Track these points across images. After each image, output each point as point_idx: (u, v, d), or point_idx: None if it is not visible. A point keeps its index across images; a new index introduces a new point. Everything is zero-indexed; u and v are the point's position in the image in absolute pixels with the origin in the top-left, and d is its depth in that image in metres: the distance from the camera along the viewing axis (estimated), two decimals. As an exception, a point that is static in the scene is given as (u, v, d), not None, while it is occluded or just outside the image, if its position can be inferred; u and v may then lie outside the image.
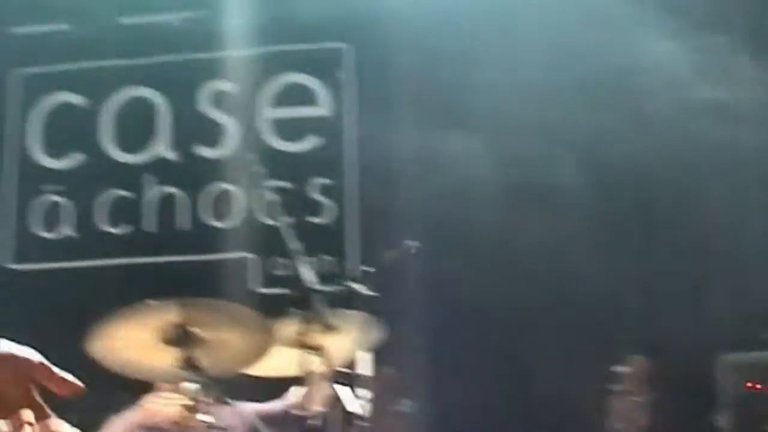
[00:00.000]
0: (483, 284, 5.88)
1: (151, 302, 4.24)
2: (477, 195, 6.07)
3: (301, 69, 6.67)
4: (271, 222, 5.86)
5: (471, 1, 6.37)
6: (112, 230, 6.65)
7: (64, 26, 6.87)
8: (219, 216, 6.51)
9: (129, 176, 6.69)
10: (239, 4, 6.40)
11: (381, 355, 4.81)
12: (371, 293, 4.74)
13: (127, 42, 6.74)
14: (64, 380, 1.55)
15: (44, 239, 6.74)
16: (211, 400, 4.19)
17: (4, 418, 1.50)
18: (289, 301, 4.63)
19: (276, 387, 4.61)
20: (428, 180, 6.22)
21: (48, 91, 6.89)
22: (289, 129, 6.60)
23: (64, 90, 6.86)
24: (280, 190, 6.00)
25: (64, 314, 6.04)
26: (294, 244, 4.66)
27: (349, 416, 4.14)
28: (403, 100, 6.35)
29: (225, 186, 6.53)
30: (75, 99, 6.85)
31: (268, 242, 5.95)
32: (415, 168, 6.25)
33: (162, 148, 6.72)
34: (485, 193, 6.07)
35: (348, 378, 4.60)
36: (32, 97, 6.89)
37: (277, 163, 6.23)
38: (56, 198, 6.76)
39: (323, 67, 6.65)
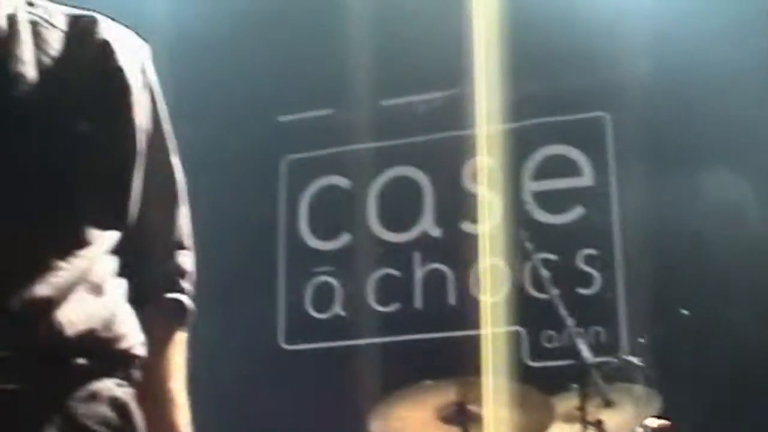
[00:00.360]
0: (762, 350, 5.67)
1: (428, 382, 4.27)
2: (750, 256, 5.88)
3: (561, 140, 6.63)
4: (540, 295, 5.84)
5: (727, 57, 6.21)
6: (382, 308, 6.75)
7: (327, 111, 7.08)
8: (487, 291, 6.50)
9: (396, 255, 6.79)
10: (497, 79, 6.43)
11: (659, 427, 4.69)
12: (646, 365, 4.63)
13: (389, 123, 6.89)
14: None
15: (315, 319, 6.89)
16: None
17: None
18: (563, 375, 4.57)
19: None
20: (696, 243, 6.07)
21: (315, 175, 7.10)
22: (553, 201, 6.56)
23: (330, 173, 7.05)
24: (547, 263, 5.95)
25: (337, 394, 6.16)
26: (566, 316, 4.62)
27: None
28: (666, 165, 6.23)
29: (492, 261, 6.52)
30: (341, 181, 7.03)
31: (539, 315, 5.90)
32: (682, 233, 6.10)
33: (427, 225, 6.80)
34: (759, 252, 5.88)
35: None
36: (300, 182, 7.11)
37: (542, 235, 6.18)
38: (326, 278, 6.92)
39: (584, 136, 6.60)
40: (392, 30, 6.70)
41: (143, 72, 2.06)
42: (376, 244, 6.84)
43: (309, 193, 7.08)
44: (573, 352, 4.45)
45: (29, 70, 1.88)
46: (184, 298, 2.11)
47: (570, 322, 4.53)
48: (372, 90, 6.85)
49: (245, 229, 6.90)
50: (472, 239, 6.55)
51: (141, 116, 2.02)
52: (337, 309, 6.87)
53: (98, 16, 2.05)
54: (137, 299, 1.98)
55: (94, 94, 1.94)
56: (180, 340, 2.10)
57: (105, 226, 1.92)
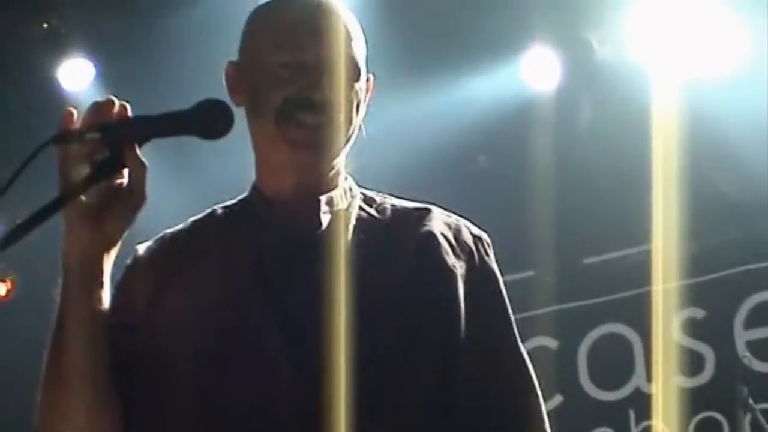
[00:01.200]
0: None
1: None
2: None
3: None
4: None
5: None
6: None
7: (529, 273, 7.12)
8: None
9: (610, 413, 6.73)
10: (694, 228, 6.35)
11: None
12: None
13: (592, 281, 6.92)
14: None
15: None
16: None
17: None
18: None
19: None
20: None
21: (522, 337, 7.10)
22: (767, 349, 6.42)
23: (537, 335, 7.06)
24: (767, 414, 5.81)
25: None
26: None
27: None
28: None
29: (710, 414, 6.39)
30: (549, 342, 7.04)
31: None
32: None
33: (640, 381, 6.73)
34: None
35: None
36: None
37: (760, 385, 6.03)
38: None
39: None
40: (584, 190, 6.75)
41: (474, 261, 2.04)
42: (589, 404, 6.80)
43: (518, 355, 7.10)
44: None
45: (343, 263, 1.88)
46: None
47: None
48: (574, 250, 6.90)
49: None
50: (686, 394, 6.45)
51: (466, 305, 1.99)
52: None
53: (434, 209, 2.07)
54: None
55: (414, 285, 1.94)
56: None
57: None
